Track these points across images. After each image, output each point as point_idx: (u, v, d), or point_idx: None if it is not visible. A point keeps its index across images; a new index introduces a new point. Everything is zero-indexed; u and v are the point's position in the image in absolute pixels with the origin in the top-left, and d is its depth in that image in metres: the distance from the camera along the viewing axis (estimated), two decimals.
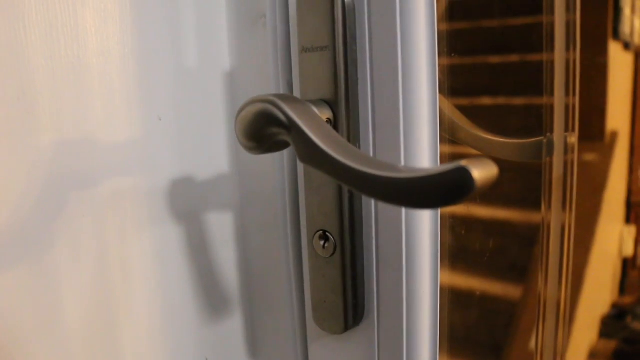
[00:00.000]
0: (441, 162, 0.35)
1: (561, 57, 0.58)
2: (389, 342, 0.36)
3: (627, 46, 2.41)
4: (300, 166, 0.38)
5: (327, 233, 0.36)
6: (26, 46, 0.30)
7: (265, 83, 0.39)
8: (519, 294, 1.62)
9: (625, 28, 2.32)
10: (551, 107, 0.58)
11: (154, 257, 0.37)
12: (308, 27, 0.34)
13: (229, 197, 0.43)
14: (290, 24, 0.37)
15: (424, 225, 0.34)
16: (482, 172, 0.22)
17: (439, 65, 0.33)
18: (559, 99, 0.58)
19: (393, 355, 0.36)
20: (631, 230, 2.72)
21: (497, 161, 0.24)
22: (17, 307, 0.30)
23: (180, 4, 0.37)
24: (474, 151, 0.52)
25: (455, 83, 0.55)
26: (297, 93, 0.37)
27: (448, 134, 0.50)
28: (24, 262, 0.31)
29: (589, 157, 2.18)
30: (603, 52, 2.15)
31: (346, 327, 0.36)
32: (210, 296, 0.42)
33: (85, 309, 0.34)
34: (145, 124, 0.36)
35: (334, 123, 0.34)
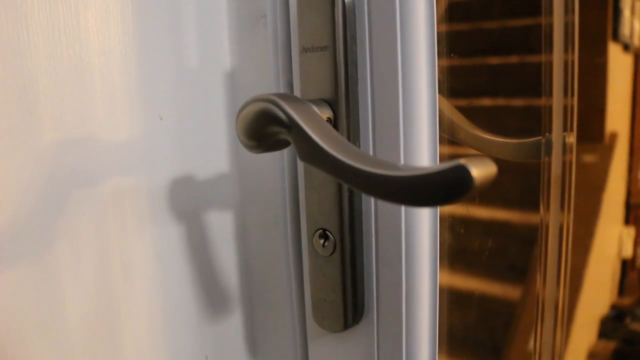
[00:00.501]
0: (440, 162, 0.35)
1: (560, 58, 0.59)
2: (388, 340, 0.36)
3: (626, 48, 2.42)
4: (300, 165, 0.38)
5: (326, 232, 0.36)
6: (28, 46, 0.30)
7: (265, 82, 0.39)
8: (517, 295, 1.63)
9: (625, 30, 2.33)
10: (550, 108, 0.58)
11: (155, 256, 0.37)
12: (308, 27, 0.34)
13: (229, 196, 0.43)
14: (291, 24, 0.37)
15: (424, 224, 0.34)
16: (481, 170, 0.22)
17: (439, 65, 0.33)
18: (557, 100, 0.58)
19: (392, 354, 0.36)
20: (630, 232, 2.72)
21: (496, 161, 0.24)
22: (17, 307, 0.31)
23: (182, 4, 0.38)
24: (473, 151, 0.52)
25: (454, 84, 0.55)
26: (297, 92, 0.37)
27: (447, 133, 0.50)
28: (25, 261, 0.31)
29: (589, 158, 2.18)
30: (603, 53, 2.15)
31: (346, 326, 0.37)
32: (211, 295, 0.42)
33: (86, 308, 0.34)
34: (146, 123, 0.36)
35: (334, 122, 0.34)
